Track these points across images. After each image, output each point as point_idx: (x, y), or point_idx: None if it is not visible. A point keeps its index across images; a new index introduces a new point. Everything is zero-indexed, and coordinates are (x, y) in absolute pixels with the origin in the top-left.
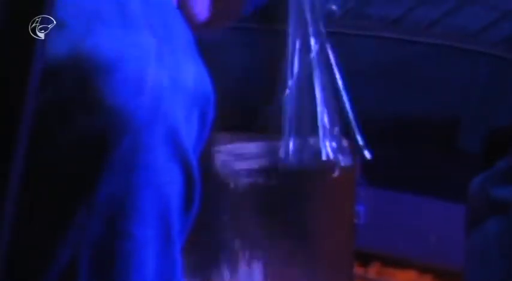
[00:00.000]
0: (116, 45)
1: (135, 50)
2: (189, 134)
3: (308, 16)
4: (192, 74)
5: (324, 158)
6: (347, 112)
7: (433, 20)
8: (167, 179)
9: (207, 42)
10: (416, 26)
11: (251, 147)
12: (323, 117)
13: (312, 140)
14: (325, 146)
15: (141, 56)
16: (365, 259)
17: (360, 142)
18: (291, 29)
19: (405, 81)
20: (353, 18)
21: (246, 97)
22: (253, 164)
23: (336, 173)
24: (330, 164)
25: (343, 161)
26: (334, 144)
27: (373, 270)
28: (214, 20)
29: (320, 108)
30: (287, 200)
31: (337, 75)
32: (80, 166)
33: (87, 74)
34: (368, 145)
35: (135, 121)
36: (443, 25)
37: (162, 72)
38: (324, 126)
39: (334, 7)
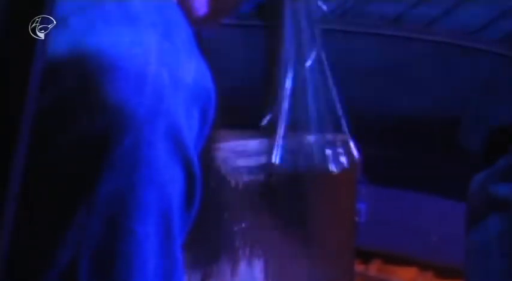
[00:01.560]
0: (117, 43)
1: (137, 47)
2: (190, 131)
3: (303, 19)
4: (192, 71)
5: (316, 162)
6: (346, 110)
7: (434, 18)
8: (169, 177)
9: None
10: (417, 24)
11: (252, 144)
12: (316, 120)
13: (307, 142)
14: (319, 151)
15: (142, 54)
16: (366, 257)
17: (359, 140)
18: (286, 31)
19: (405, 80)
20: (353, 16)
21: (247, 95)
22: (255, 162)
23: (329, 176)
24: (323, 168)
25: (336, 166)
26: (328, 150)
27: (374, 267)
28: (213, 15)
29: (315, 110)
30: (288, 197)
31: (330, 77)
32: (80, 166)
33: (88, 72)
34: (367, 143)
35: (137, 119)
36: (444, 23)
37: (163, 70)
38: (317, 130)
39: (323, 6)
